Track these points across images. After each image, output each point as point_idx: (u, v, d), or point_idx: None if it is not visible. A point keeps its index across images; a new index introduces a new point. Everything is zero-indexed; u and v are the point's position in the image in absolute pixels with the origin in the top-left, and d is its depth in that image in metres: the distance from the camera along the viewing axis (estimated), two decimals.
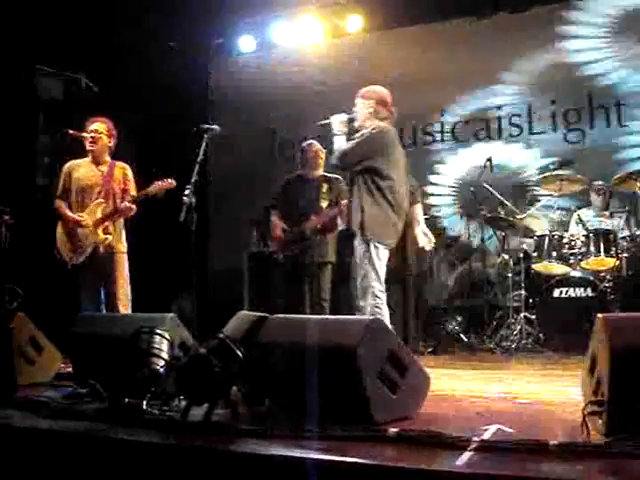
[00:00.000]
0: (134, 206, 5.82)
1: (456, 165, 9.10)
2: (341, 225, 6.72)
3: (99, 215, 5.80)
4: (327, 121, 5.36)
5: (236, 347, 3.37)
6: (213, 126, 5.40)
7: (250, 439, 2.99)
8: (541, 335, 6.86)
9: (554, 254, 7.07)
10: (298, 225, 6.32)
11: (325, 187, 6.37)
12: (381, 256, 4.99)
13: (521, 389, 4.58)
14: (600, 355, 3.03)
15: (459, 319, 8.06)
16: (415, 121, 9.56)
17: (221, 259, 9.63)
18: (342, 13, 9.59)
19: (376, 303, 4.92)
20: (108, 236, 5.79)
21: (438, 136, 9.56)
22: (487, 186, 7.57)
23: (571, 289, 6.92)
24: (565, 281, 6.98)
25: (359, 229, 5.03)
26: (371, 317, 3.43)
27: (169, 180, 5.74)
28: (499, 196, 7.63)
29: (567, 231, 7.43)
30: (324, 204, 6.34)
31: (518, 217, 7.50)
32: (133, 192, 5.89)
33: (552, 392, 4.39)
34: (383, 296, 4.99)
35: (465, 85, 9.13)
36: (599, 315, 3.10)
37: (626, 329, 3.00)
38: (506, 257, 7.79)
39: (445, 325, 8.03)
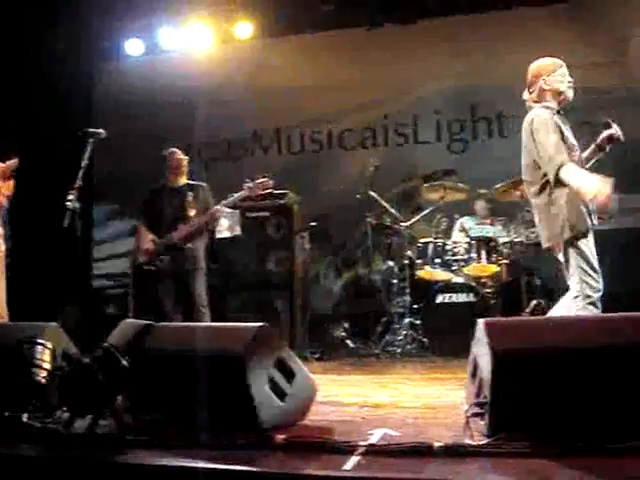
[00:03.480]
0: None
1: (342, 172, 9.19)
2: (226, 232, 6.71)
3: None
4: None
5: (121, 356, 3.30)
6: (98, 130, 5.29)
7: (137, 450, 2.93)
8: (425, 340, 6.98)
9: (437, 261, 7.25)
10: (166, 235, 6.25)
11: (191, 195, 6.32)
12: None
13: (406, 393, 4.66)
14: (481, 358, 3.12)
15: (345, 325, 8.11)
16: (303, 128, 9.65)
17: (106, 266, 9.45)
18: (232, 19, 9.55)
19: None
20: None
21: (326, 143, 9.65)
22: (373, 193, 7.66)
23: (454, 295, 7.09)
24: (448, 287, 7.15)
25: None
26: (259, 324, 3.41)
27: (12, 160, 5.52)
28: (384, 203, 7.72)
29: (450, 238, 7.61)
30: (192, 212, 6.29)
31: (403, 224, 7.61)
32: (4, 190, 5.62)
33: (436, 395, 4.47)
34: None
35: (353, 94, 9.25)
36: (480, 320, 3.18)
37: (506, 333, 3.10)
38: (391, 264, 7.92)
39: (331, 331, 8.07)
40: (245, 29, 9.54)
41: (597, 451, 2.64)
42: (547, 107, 4.59)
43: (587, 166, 4.62)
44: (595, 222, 4.54)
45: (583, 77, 4.66)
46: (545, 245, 4.58)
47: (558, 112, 4.63)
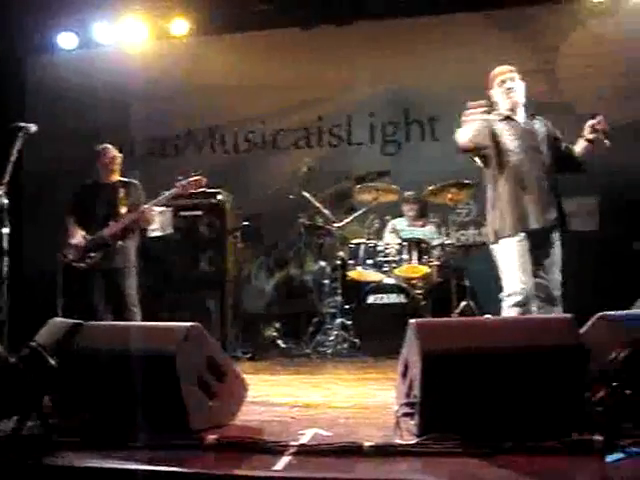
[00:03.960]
0: None
1: (276, 173, 9.18)
2: (158, 230, 6.65)
3: None
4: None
5: (49, 355, 3.25)
6: (28, 125, 5.18)
7: (64, 451, 2.88)
8: (357, 340, 7.01)
9: (369, 262, 7.29)
10: (97, 232, 6.17)
11: (122, 192, 6.25)
12: None
13: (338, 393, 4.68)
14: (412, 359, 3.15)
15: (277, 325, 8.12)
16: (237, 127, 9.62)
17: (35, 264, 9.24)
18: (167, 16, 9.44)
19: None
20: None
21: (259, 143, 9.63)
22: (305, 194, 7.67)
23: (385, 295, 7.15)
24: (379, 288, 7.20)
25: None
26: (190, 323, 3.38)
27: None
28: (317, 204, 7.74)
29: (382, 240, 7.67)
30: (123, 209, 6.22)
31: (335, 225, 7.64)
32: None
33: (368, 395, 4.51)
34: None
35: (288, 94, 9.25)
36: (411, 320, 3.22)
37: (436, 334, 3.14)
38: (323, 264, 7.96)
39: (263, 331, 8.08)
40: (180, 26, 9.42)
41: (526, 450, 2.69)
42: (498, 114, 4.86)
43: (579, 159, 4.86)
44: (532, 226, 4.65)
45: None
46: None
47: (508, 118, 4.84)
